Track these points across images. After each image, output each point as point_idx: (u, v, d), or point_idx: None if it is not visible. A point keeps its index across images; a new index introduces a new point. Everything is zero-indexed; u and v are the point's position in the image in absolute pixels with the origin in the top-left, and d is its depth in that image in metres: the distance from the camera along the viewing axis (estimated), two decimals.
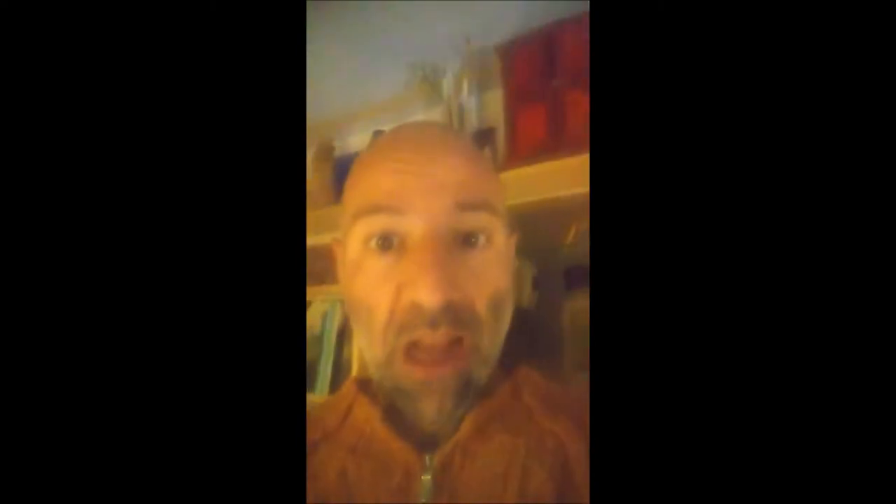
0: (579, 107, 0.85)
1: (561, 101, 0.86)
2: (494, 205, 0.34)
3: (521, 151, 0.88)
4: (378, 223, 0.32)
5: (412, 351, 0.31)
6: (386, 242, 0.32)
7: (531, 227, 0.79)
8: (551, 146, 0.85)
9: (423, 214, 0.31)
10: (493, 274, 0.33)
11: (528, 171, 0.78)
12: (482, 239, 0.33)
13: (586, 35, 0.89)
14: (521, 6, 0.98)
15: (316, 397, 1.07)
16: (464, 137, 0.37)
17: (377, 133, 1.22)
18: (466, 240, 0.32)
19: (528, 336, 0.81)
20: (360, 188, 0.34)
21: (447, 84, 1.05)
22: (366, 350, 0.34)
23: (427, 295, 0.29)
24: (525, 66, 0.92)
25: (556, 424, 0.35)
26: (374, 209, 0.32)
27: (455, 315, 0.31)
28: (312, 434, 0.37)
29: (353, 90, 1.29)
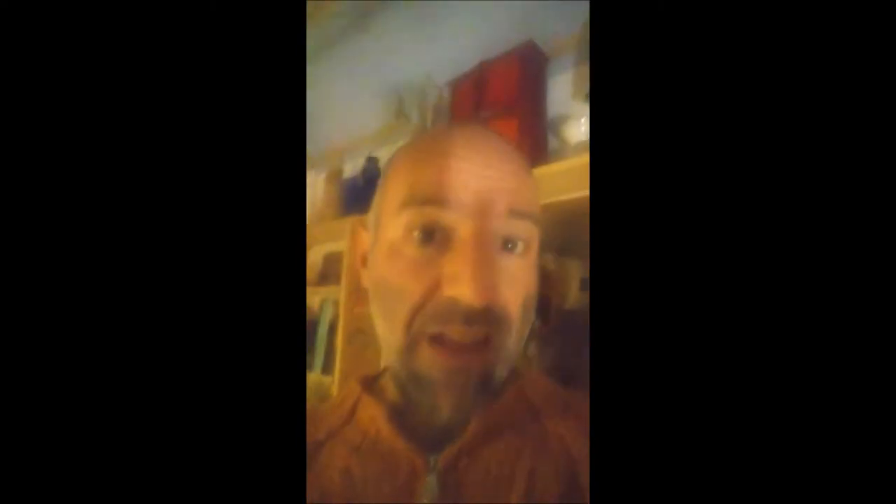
0: (504, 134, 1.00)
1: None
2: (537, 215, 0.35)
3: None
4: (428, 214, 0.32)
5: (438, 339, 0.32)
6: (428, 235, 0.32)
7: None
8: None
9: (477, 214, 0.31)
10: (526, 280, 0.34)
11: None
12: (521, 246, 0.33)
13: (512, 72, 1.05)
14: (473, 48, 1.15)
15: (313, 375, 1.33)
16: (511, 144, 0.38)
17: (370, 159, 1.45)
18: (505, 245, 0.33)
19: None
20: (414, 177, 0.33)
21: (414, 115, 1.25)
22: (387, 336, 0.34)
23: (470, 293, 0.29)
24: (462, 99, 1.09)
25: (562, 427, 0.35)
26: (425, 200, 0.32)
27: (489, 316, 0.31)
28: (317, 433, 0.37)
29: (352, 123, 1.53)
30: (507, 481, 0.32)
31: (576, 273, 0.92)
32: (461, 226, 0.31)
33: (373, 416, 0.36)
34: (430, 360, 0.31)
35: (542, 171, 0.85)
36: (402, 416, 0.35)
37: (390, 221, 0.33)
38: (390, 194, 0.35)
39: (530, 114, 1.02)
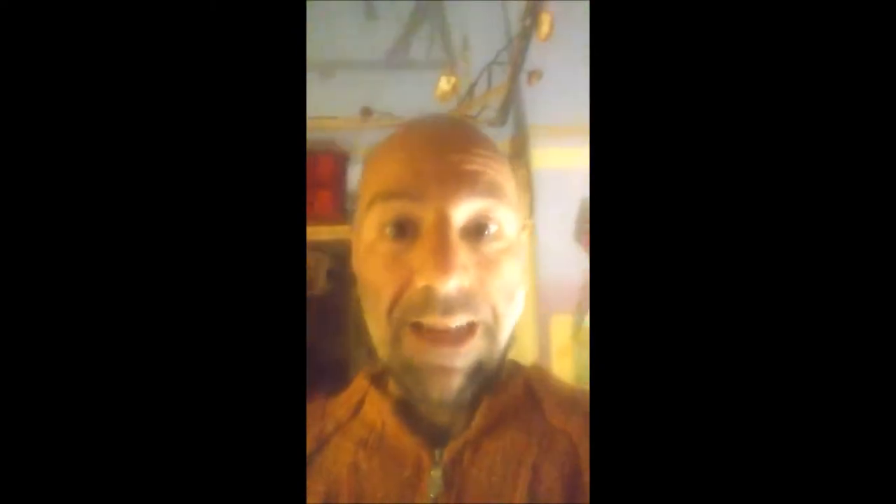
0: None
1: None
2: (506, 194, 0.35)
3: None
4: (392, 210, 0.33)
5: (418, 328, 0.33)
6: (400, 230, 0.33)
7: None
8: None
9: (436, 201, 0.32)
10: (505, 263, 0.34)
11: None
12: (494, 228, 0.34)
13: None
14: None
15: None
16: (477, 129, 0.39)
17: None
18: (479, 229, 0.34)
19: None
20: (375, 176, 0.35)
21: None
22: (374, 331, 0.35)
23: (439, 279, 0.30)
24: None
25: (567, 424, 0.35)
26: (388, 196, 0.33)
27: (468, 301, 0.32)
28: (324, 427, 0.38)
29: None
30: (511, 476, 0.33)
31: (324, 265, 1.19)
32: (426, 215, 0.32)
33: (380, 409, 0.37)
34: (413, 349, 0.33)
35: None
36: (407, 410, 0.36)
37: (364, 220, 0.35)
38: (362, 193, 0.36)
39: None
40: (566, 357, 1.23)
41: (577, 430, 0.35)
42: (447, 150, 0.34)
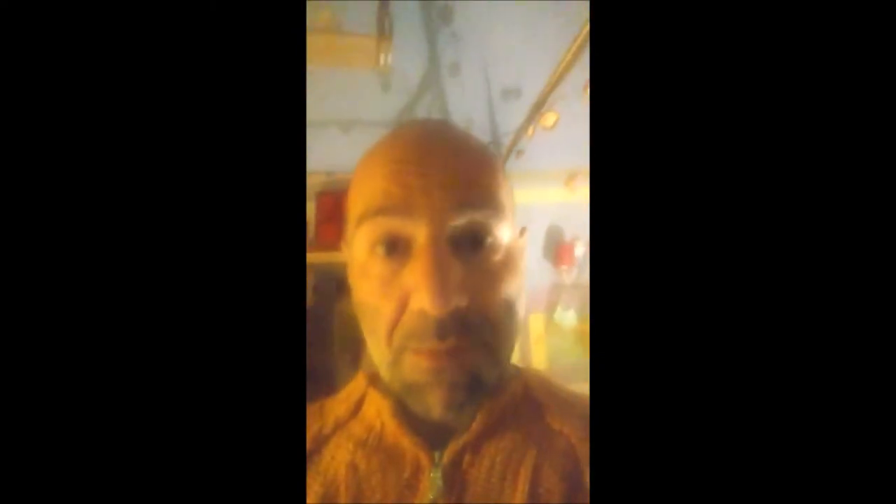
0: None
1: None
2: (501, 203, 0.34)
3: None
4: (382, 226, 0.32)
5: (420, 348, 0.32)
6: (391, 247, 0.32)
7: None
8: None
9: (426, 216, 0.31)
10: (503, 274, 0.33)
11: None
12: (489, 239, 0.33)
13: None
14: None
15: None
16: (467, 135, 0.37)
17: None
18: (474, 241, 0.32)
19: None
20: (363, 191, 0.34)
21: None
22: (374, 351, 0.35)
23: (432, 303, 0.29)
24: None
25: (566, 426, 0.35)
26: (377, 212, 0.32)
27: (463, 321, 0.31)
28: (323, 428, 0.38)
29: None
30: (511, 478, 0.33)
31: (310, 279, 1.36)
32: (417, 232, 0.31)
33: (379, 410, 0.37)
34: (414, 367, 0.32)
35: None
36: (407, 410, 0.35)
37: (354, 239, 0.34)
38: (351, 210, 0.35)
39: None
40: (541, 344, 1.75)
41: (577, 433, 0.35)
42: (436, 160, 0.33)
